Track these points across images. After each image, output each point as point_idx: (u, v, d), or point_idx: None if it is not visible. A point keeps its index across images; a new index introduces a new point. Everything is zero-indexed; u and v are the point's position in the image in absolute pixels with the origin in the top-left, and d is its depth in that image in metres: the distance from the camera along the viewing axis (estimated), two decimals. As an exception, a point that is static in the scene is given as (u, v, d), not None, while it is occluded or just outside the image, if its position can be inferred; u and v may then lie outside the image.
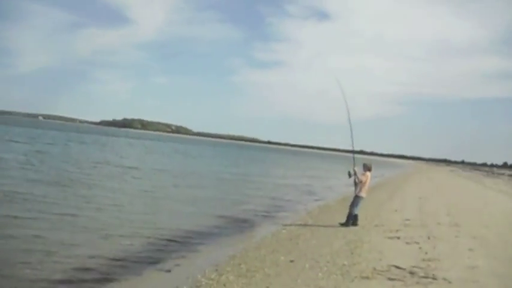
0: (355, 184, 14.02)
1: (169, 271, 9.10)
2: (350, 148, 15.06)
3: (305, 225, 14.80)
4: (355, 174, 13.92)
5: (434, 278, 7.96)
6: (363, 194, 13.94)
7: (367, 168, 14.13)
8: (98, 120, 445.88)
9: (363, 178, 13.91)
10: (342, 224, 13.88)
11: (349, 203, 14.35)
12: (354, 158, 14.28)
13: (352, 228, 13.44)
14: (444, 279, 7.92)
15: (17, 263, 8.59)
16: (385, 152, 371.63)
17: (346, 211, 14.08)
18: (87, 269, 8.67)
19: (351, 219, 13.89)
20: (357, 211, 13.99)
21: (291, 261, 9.56)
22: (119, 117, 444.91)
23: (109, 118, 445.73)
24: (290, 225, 14.81)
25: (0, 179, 18.88)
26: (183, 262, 9.82)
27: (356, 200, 13.99)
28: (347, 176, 14.28)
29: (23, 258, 8.90)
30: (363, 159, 15.02)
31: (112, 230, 12.00)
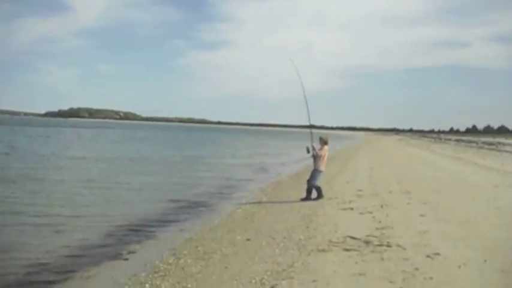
0: (314, 159, 14.16)
1: (126, 259, 8.94)
2: (301, 124, 15.18)
3: (260, 202, 14.87)
4: (313, 149, 14.06)
5: (388, 246, 8.14)
6: (322, 168, 14.11)
7: (323, 142, 14.29)
8: (43, 112, 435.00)
9: (321, 152, 14.07)
10: (303, 199, 13.99)
11: (303, 178, 14.42)
12: (311, 133, 14.39)
13: (306, 202, 13.60)
14: (398, 245, 8.11)
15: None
16: (335, 125, 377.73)
17: (300, 186, 14.17)
18: (42, 267, 8.36)
19: (318, 193, 14.01)
20: (317, 183, 14.13)
21: (248, 239, 9.59)
22: (65, 107, 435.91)
23: (55, 109, 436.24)
24: (245, 204, 14.83)
25: None
26: (140, 249, 9.66)
27: (315, 173, 14.12)
28: (305, 151, 14.45)
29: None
30: (316, 134, 15.13)
31: (64, 224, 11.64)
